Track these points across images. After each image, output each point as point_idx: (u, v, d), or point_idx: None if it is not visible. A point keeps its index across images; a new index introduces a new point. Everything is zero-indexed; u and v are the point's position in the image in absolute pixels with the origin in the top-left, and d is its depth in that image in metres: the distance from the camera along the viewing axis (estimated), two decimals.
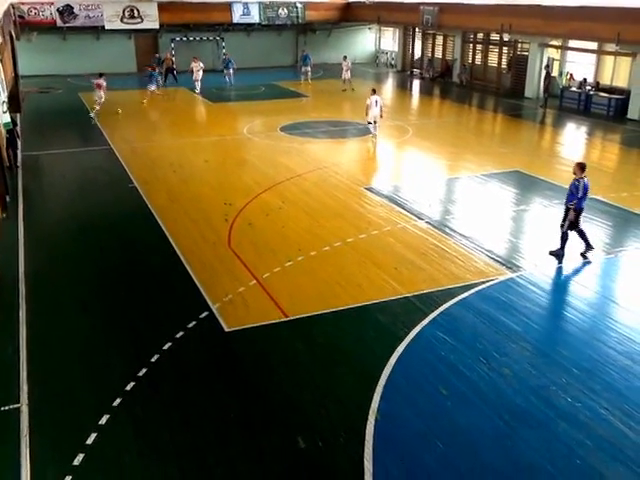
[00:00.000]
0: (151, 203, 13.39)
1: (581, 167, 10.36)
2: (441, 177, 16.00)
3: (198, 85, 28.34)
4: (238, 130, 21.35)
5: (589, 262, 10.46)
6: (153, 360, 7.52)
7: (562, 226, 10.55)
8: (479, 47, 31.80)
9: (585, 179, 10.30)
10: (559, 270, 10.25)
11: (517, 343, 7.97)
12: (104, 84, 23.25)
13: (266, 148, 18.64)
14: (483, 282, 9.63)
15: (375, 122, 19.14)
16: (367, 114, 19.14)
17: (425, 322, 8.42)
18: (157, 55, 31.32)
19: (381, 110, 19.13)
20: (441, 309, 8.78)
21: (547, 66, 26.45)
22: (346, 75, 29.48)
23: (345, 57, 30.63)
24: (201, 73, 28.35)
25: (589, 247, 10.57)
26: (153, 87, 26.21)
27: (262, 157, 17.56)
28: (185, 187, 14.66)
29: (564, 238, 10.53)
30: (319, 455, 6.05)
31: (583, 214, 10.57)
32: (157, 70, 28.28)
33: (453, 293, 9.25)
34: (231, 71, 30.40)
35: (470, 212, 13.06)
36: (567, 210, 10.47)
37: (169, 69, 30.97)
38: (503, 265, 10.28)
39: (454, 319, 8.56)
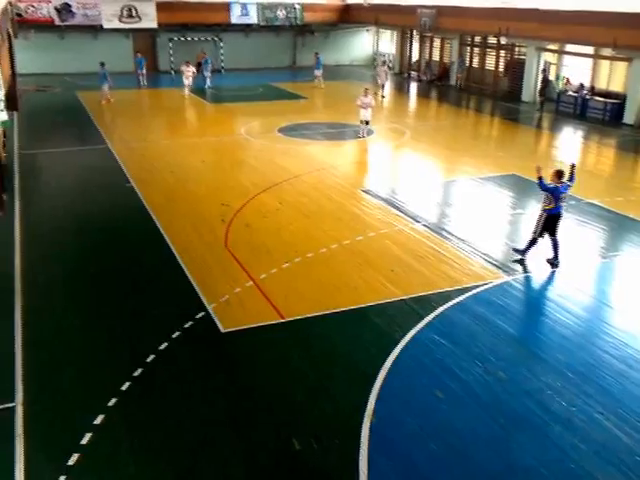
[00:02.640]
0: (148, 203, 13.37)
1: (557, 174, 10.26)
2: (438, 180, 16.01)
3: (187, 89, 27.71)
4: (236, 131, 21.34)
5: (558, 268, 10.37)
6: (149, 360, 7.50)
7: (534, 231, 10.46)
8: (476, 50, 31.89)
9: (561, 185, 10.17)
10: (555, 274, 10.27)
11: (513, 347, 7.99)
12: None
13: (264, 149, 18.63)
14: (479, 285, 9.64)
15: (367, 123, 19.55)
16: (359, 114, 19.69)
17: (421, 325, 8.42)
18: (139, 55, 30.97)
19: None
20: (437, 312, 8.78)
21: (544, 70, 26.54)
22: (383, 81, 28.32)
23: (384, 62, 30.27)
24: (191, 79, 27.71)
25: (556, 259, 10.41)
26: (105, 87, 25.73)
27: (259, 158, 17.55)
28: (182, 187, 14.64)
29: (532, 243, 10.45)
30: (314, 457, 6.04)
31: (562, 220, 10.41)
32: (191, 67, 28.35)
33: (450, 296, 9.25)
34: (209, 72, 29.81)
35: (467, 215, 13.07)
36: (541, 214, 10.43)
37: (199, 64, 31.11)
38: (499, 268, 10.30)
39: (450, 322, 8.56)
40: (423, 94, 31.13)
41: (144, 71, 29.90)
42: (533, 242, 10.49)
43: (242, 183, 14.96)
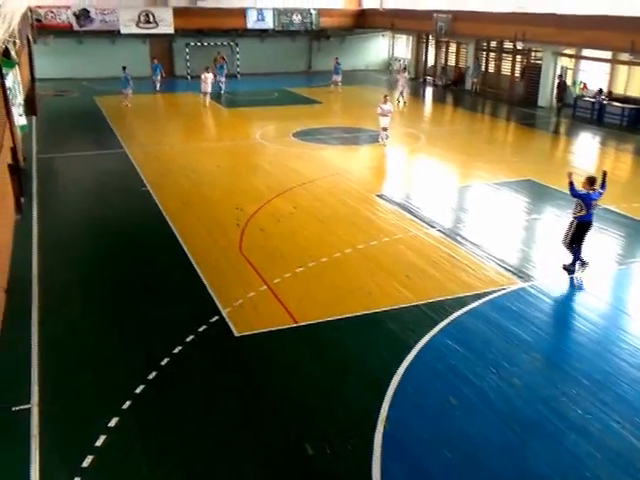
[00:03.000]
0: (163, 207, 13.47)
1: (589, 181, 10.08)
2: (453, 185, 15.96)
3: (207, 97, 26.84)
4: (251, 135, 21.44)
5: (587, 273, 10.28)
6: (163, 363, 7.55)
7: (564, 240, 10.30)
8: (492, 55, 31.77)
9: (593, 192, 10.02)
10: (571, 280, 10.17)
11: (528, 353, 7.92)
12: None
13: (278, 154, 18.69)
14: (494, 291, 9.58)
15: (385, 129, 19.54)
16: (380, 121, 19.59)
17: (435, 331, 8.39)
18: (155, 61, 31.16)
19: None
20: (451, 318, 8.74)
21: (560, 75, 26.35)
22: (403, 89, 27.88)
23: (404, 68, 29.95)
24: (210, 87, 26.82)
25: (572, 266, 10.27)
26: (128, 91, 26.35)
27: (274, 163, 17.61)
28: (197, 191, 14.73)
29: (575, 254, 10.22)
30: (326, 462, 6.03)
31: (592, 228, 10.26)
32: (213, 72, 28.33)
33: (464, 302, 9.21)
34: (224, 77, 29.66)
35: (482, 220, 13.02)
36: (572, 221, 10.26)
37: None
38: (514, 274, 10.23)
39: (465, 328, 8.52)
40: (438, 99, 31.06)
41: (159, 77, 30.15)
42: (575, 253, 10.21)
43: (257, 187, 15.02)
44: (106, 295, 9.57)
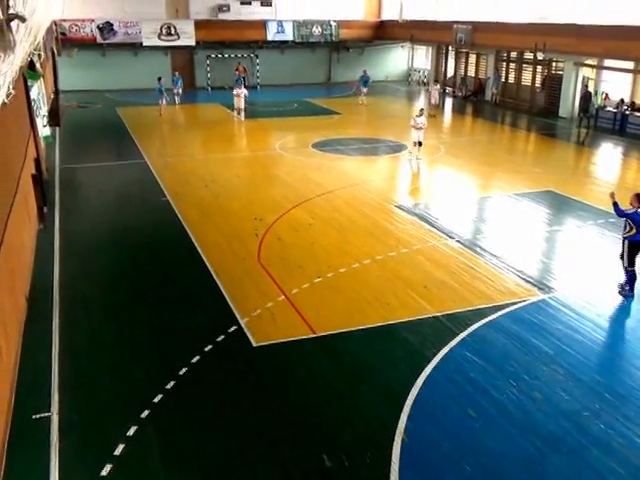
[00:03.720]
0: (183, 217, 13.58)
1: (637, 198, 9.60)
2: (473, 196, 15.87)
3: (242, 113, 26.27)
4: (270, 146, 21.56)
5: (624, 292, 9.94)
6: (181, 373, 7.58)
7: (625, 265, 9.81)
8: (513, 65, 31.64)
9: None
10: (593, 292, 10.03)
11: (548, 366, 7.82)
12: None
13: (297, 164, 18.76)
14: (514, 303, 9.49)
15: (420, 144, 19.14)
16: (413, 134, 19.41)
17: (454, 342, 8.32)
18: (176, 74, 31.29)
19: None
20: (471, 329, 8.67)
21: (586, 85, 26.03)
22: (436, 101, 27.79)
23: (436, 81, 29.69)
24: (243, 102, 26.19)
25: (630, 289, 9.82)
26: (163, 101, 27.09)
27: (293, 173, 17.68)
28: (216, 202, 14.83)
29: (629, 276, 9.80)
30: (345, 474, 5.99)
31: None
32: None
33: (483, 313, 9.13)
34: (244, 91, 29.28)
35: (501, 231, 12.93)
36: (623, 241, 9.84)
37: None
38: (535, 286, 10.12)
39: (484, 340, 8.44)
40: (458, 109, 30.97)
41: (180, 90, 30.08)
42: (631, 276, 9.80)
43: (275, 198, 15.08)
44: (126, 304, 9.65)
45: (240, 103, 26.21)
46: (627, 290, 9.85)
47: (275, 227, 12.93)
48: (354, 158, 19.59)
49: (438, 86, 28.57)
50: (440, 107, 28.18)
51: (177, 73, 31.43)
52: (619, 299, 9.86)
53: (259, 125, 25.89)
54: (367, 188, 15.91)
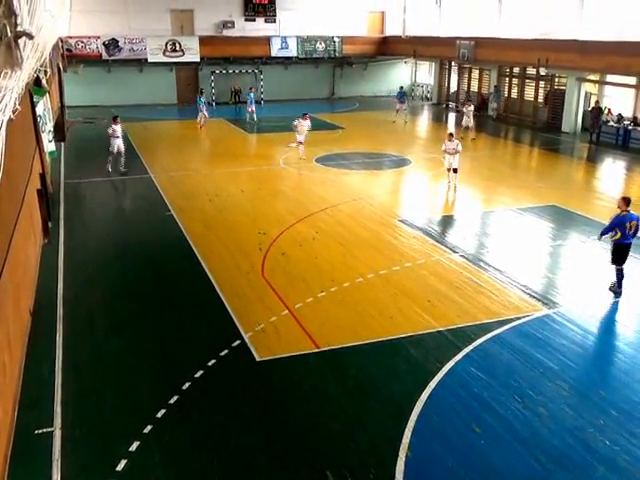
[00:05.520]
0: (187, 231, 13.61)
1: (625, 201, 10.11)
2: (476, 210, 15.88)
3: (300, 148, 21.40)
4: (274, 160, 21.63)
5: (619, 299, 10.18)
6: (184, 387, 7.55)
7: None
8: (515, 81, 31.80)
9: (627, 213, 10.02)
10: (598, 307, 9.99)
11: (553, 382, 7.77)
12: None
13: (301, 178, 18.82)
14: (518, 318, 9.45)
15: (455, 171, 17.31)
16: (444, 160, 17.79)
17: (458, 357, 8.28)
18: (201, 95, 30.54)
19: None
20: (475, 344, 8.64)
21: (597, 102, 25.91)
22: (469, 122, 25.85)
23: (469, 100, 27.93)
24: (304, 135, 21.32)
25: (618, 287, 10.30)
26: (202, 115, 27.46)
27: (297, 187, 17.72)
28: (221, 216, 14.87)
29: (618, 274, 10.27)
30: None
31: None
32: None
33: (487, 328, 9.10)
34: (253, 106, 29.52)
35: (505, 246, 12.91)
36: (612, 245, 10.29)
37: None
38: (539, 301, 10.09)
39: (488, 355, 8.41)
40: (461, 125, 31.05)
41: (205, 112, 27.98)
42: (619, 274, 10.25)
43: (279, 212, 15.11)
44: (129, 319, 9.65)
45: (301, 136, 21.25)
46: (616, 287, 10.29)
47: (279, 241, 12.94)
48: (358, 172, 19.64)
49: (472, 107, 26.39)
50: (474, 130, 26.20)
51: (201, 94, 28.94)
52: (625, 315, 9.82)
53: (263, 140, 26.01)
54: (371, 202, 15.93)
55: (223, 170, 20.07)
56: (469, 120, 26.01)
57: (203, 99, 27.61)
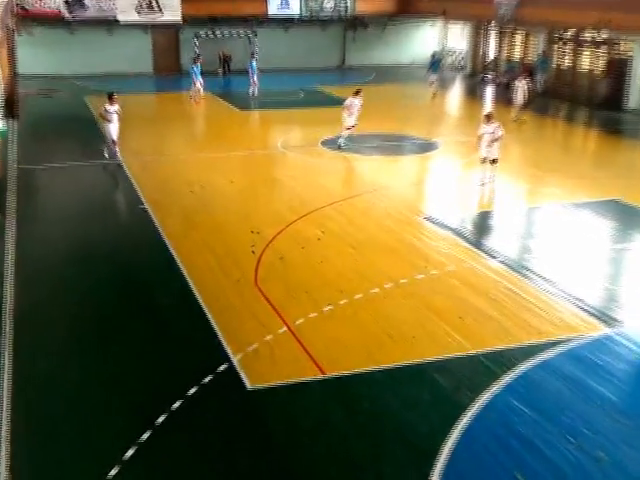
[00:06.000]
0: (164, 230, 13.59)
1: None
2: (519, 205, 15.84)
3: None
4: (271, 144, 21.65)
5: None
6: (159, 422, 7.52)
7: None
8: (568, 47, 31.66)
9: None
10: None
11: (614, 418, 7.72)
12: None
13: (304, 166, 18.80)
14: (571, 339, 9.40)
15: (494, 162, 16.51)
16: (479, 148, 16.78)
17: (497, 387, 8.23)
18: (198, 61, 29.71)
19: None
20: (517, 371, 8.59)
21: None
22: (520, 99, 24.95)
23: (529, 73, 27.41)
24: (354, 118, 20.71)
25: None
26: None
27: (299, 177, 17.71)
28: (205, 212, 14.88)
29: None
30: None
31: None
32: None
33: (532, 351, 9.05)
34: (255, 78, 29.87)
35: (555, 250, 12.88)
36: None
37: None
38: (597, 318, 10.03)
39: (534, 384, 8.37)
40: (500, 100, 30.97)
41: (199, 84, 27.94)
42: None
43: (277, 207, 15.11)
44: (92, 336, 9.63)
45: (351, 120, 20.71)
46: None
47: (276, 243, 12.92)
48: (373, 158, 19.62)
49: (525, 81, 25.26)
50: (527, 108, 25.26)
51: (197, 58, 29.74)
52: None
53: (258, 118, 26.03)
54: (389, 195, 15.90)
55: (209, 155, 20.08)
56: (523, 97, 24.85)
57: (199, 67, 27.69)
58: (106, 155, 18.80)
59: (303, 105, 28.22)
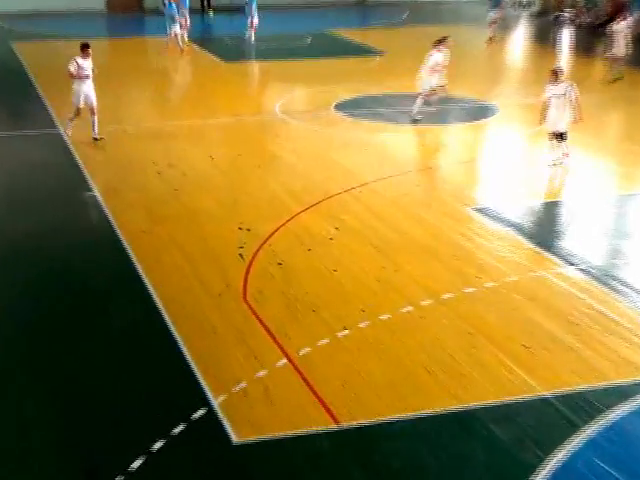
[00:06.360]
0: (120, 224, 13.62)
1: None
2: (607, 193, 15.84)
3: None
4: (266, 107, 21.67)
5: None
6: None
7: None
8: None
9: None
10: None
11: None
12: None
13: (311, 138, 18.83)
14: None
15: (562, 136, 16.42)
16: (544, 118, 16.65)
17: (576, 442, 8.19)
18: None
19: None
20: (603, 420, 8.56)
21: None
22: (621, 51, 24.77)
23: (624, 10, 27.20)
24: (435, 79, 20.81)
25: None
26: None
27: (304, 153, 17.72)
28: (176, 199, 14.92)
29: None
30: None
31: None
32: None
33: (625, 393, 9.04)
34: (256, 19, 30.19)
35: None
36: None
37: None
38: None
39: (627, 438, 8.39)
40: (581, 48, 30.95)
41: (178, 27, 28.12)
42: None
43: (274, 193, 15.14)
44: (20, 371, 9.64)
45: (431, 80, 21.03)
46: None
47: (273, 243, 12.93)
48: (405, 128, 19.58)
49: (626, 22, 25.00)
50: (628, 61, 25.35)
51: None
52: None
53: (248, 73, 26.02)
54: (429, 179, 15.91)
55: (181, 123, 20.14)
56: (625, 45, 24.77)
57: (173, 6, 27.73)
58: (69, 132, 18.65)
59: (311, 55, 28.28)
